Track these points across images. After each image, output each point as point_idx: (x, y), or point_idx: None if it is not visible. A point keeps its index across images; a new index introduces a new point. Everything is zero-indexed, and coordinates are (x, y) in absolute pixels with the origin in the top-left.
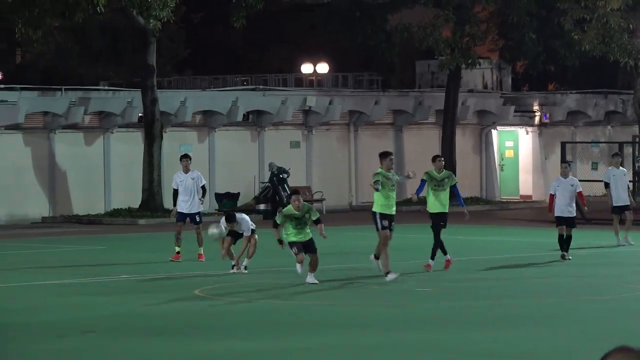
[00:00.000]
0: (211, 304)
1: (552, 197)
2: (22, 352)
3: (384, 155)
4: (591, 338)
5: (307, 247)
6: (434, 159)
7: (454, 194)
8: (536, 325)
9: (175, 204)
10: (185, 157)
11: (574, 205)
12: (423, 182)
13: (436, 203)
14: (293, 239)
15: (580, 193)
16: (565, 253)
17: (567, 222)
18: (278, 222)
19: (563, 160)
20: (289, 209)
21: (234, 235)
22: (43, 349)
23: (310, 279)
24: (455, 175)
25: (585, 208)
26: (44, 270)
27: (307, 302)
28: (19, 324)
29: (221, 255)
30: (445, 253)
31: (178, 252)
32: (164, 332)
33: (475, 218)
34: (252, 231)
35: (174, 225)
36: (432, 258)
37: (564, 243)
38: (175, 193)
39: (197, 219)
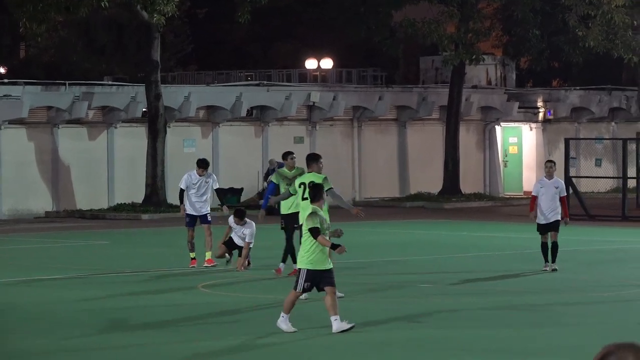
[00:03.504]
0: (214, 299)
1: (534, 199)
2: (24, 348)
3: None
4: (595, 335)
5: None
6: (285, 156)
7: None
8: (541, 321)
9: (182, 202)
10: (206, 165)
11: (559, 209)
12: (272, 185)
13: (288, 203)
14: (312, 263)
15: (563, 199)
16: (548, 263)
17: (550, 229)
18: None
19: (566, 157)
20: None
21: (230, 246)
22: (45, 343)
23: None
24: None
25: (567, 219)
26: (47, 265)
27: (310, 298)
28: (21, 319)
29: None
30: (294, 261)
31: (194, 258)
32: (167, 327)
33: (479, 214)
34: (249, 242)
35: (187, 230)
36: (283, 261)
37: (549, 252)
38: (182, 193)
39: (208, 218)
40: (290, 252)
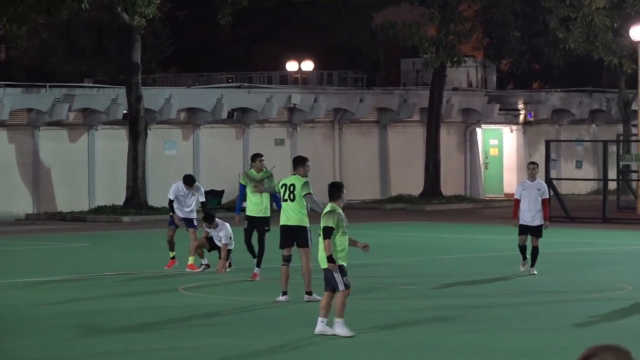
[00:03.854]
0: (195, 301)
1: (517, 202)
2: (4, 349)
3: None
4: (578, 336)
5: None
6: (254, 157)
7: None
8: (523, 323)
9: (173, 212)
10: (192, 182)
11: (541, 212)
12: (242, 187)
13: (258, 206)
14: (342, 259)
15: (545, 201)
16: (526, 261)
17: (532, 232)
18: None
19: (547, 159)
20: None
21: (211, 243)
22: (26, 345)
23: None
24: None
25: (547, 222)
26: (27, 267)
27: (290, 299)
28: (2, 322)
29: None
30: (258, 265)
31: (173, 257)
32: (148, 329)
33: (460, 216)
34: (226, 244)
35: (168, 229)
36: (258, 265)
37: (529, 254)
38: (171, 203)
39: (194, 222)
40: (250, 251)
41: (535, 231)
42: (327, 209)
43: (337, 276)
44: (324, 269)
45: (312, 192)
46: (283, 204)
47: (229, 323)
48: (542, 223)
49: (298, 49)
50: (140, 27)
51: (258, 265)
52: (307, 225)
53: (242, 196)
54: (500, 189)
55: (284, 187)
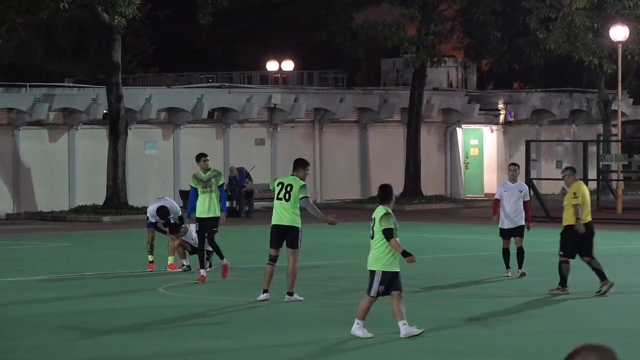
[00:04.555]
0: (177, 302)
1: (497, 201)
2: (3, 349)
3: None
4: (563, 336)
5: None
6: (199, 158)
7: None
8: (504, 323)
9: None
10: (166, 215)
11: (522, 213)
12: (192, 190)
13: (205, 206)
14: (387, 265)
15: (527, 203)
16: (510, 269)
17: (515, 233)
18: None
19: (527, 159)
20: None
21: (193, 249)
22: (5, 345)
23: None
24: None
25: (530, 224)
26: (7, 267)
27: (269, 299)
28: None
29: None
30: (221, 257)
31: (152, 262)
32: (128, 330)
33: (440, 216)
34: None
35: (148, 231)
36: (222, 257)
37: (510, 258)
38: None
39: (171, 222)
40: (201, 257)
41: (518, 231)
42: (382, 211)
43: (377, 281)
44: (371, 271)
45: (308, 196)
46: (276, 202)
47: (216, 324)
48: (523, 223)
49: (278, 48)
50: (121, 26)
51: (222, 258)
52: (299, 226)
53: (193, 199)
54: (481, 188)
55: (280, 185)
